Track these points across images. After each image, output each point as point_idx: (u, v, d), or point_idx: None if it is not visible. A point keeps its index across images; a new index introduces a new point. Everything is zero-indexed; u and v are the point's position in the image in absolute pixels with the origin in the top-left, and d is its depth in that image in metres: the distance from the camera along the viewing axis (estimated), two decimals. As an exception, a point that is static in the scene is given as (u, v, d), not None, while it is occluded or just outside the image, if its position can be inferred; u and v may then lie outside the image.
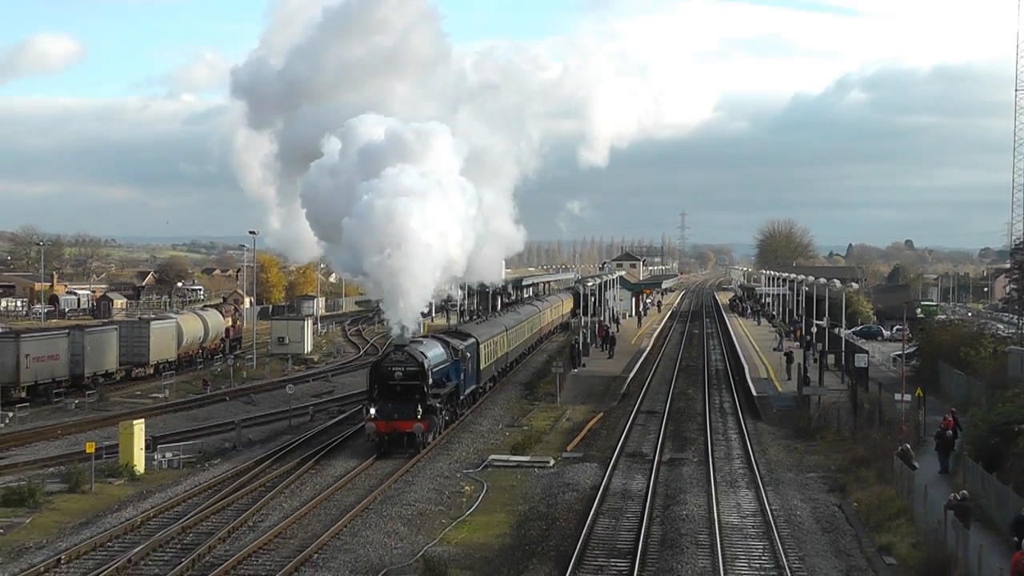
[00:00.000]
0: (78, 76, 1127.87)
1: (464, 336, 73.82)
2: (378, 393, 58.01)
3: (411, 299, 59.64)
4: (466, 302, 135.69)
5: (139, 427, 57.46)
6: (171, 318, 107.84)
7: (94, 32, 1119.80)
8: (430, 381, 58.79)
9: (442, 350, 64.34)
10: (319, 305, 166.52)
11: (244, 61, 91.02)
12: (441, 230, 60.88)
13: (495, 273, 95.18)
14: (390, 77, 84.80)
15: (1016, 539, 30.91)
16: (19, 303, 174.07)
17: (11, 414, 72.60)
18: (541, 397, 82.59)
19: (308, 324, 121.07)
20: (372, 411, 56.99)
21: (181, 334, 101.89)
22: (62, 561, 38.84)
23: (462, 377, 67.35)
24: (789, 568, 39.05)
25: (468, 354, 69.94)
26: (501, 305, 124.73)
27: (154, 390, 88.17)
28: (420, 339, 64.26)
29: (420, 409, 57.22)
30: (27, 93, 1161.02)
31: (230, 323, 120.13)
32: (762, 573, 39.04)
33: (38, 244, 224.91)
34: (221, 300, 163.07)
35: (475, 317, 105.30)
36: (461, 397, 68.74)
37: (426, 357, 59.64)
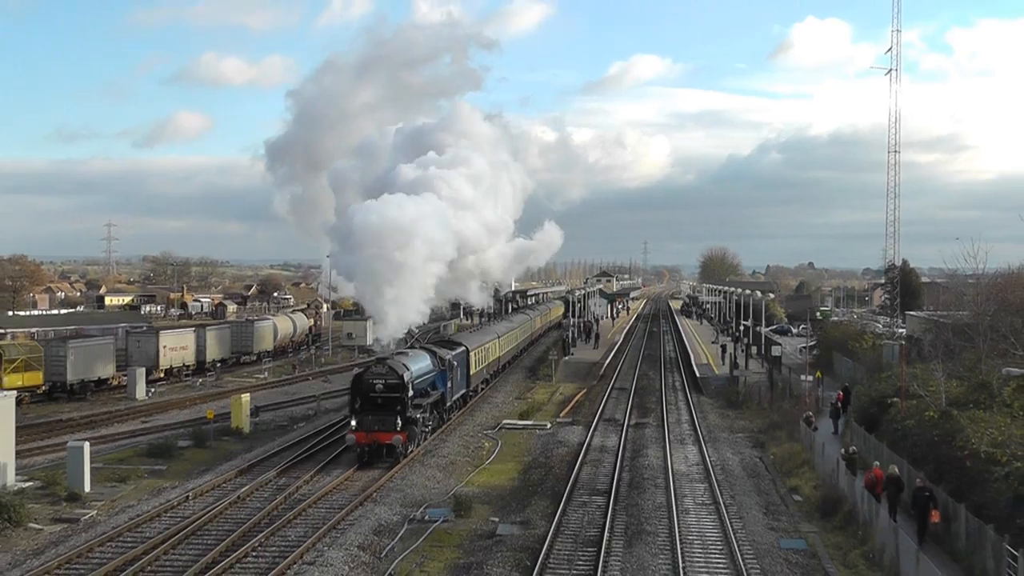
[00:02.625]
0: (206, 141, 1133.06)
1: (454, 345, 61.21)
2: (360, 405, 45.95)
3: (396, 314, 49.40)
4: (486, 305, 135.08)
5: (246, 399, 57.70)
6: (269, 319, 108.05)
7: (219, 110, 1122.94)
8: (410, 393, 46.48)
9: (428, 361, 52.55)
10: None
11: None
12: (437, 241, 51.70)
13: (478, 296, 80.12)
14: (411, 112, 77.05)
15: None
16: (159, 308, 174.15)
17: (153, 390, 72.80)
18: (541, 377, 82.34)
19: (370, 324, 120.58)
20: (353, 423, 45.65)
21: (276, 331, 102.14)
22: (190, 497, 38.93)
23: (449, 385, 55.33)
24: (723, 503, 39.02)
25: (455, 363, 57.60)
26: (512, 309, 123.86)
27: (257, 372, 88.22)
28: (405, 351, 51.69)
29: (400, 421, 45.45)
30: (169, 153, 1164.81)
31: (312, 323, 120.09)
32: (703, 506, 38.95)
33: (172, 265, 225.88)
34: (306, 306, 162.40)
35: (491, 319, 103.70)
36: (448, 403, 56.24)
37: (408, 370, 47.29)
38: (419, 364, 50.37)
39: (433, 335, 62.49)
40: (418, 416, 47.77)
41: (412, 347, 55.05)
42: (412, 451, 47.35)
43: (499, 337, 78.65)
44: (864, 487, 36.29)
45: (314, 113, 76.81)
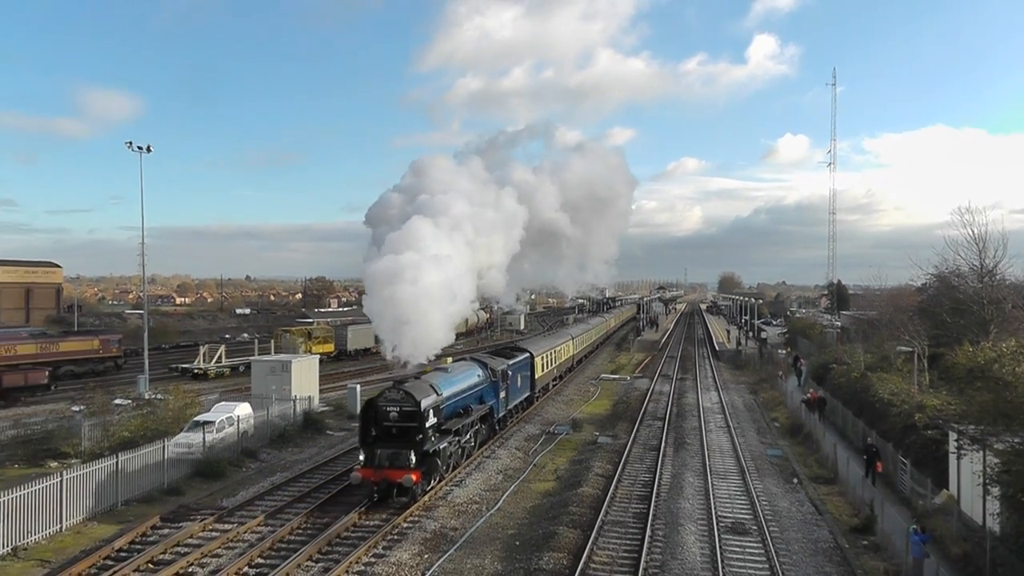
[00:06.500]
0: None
1: (515, 353, 40.52)
2: (373, 436, 24.55)
3: (420, 329, 25.75)
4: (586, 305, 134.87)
5: (449, 359, 56.77)
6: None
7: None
8: (430, 422, 24.96)
9: (475, 375, 32.39)
10: (526, 307, 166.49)
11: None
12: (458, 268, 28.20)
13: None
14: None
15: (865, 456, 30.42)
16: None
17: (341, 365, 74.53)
18: (623, 349, 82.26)
19: (522, 316, 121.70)
20: (361, 457, 24.28)
21: (467, 320, 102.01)
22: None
23: (502, 395, 34.68)
24: (732, 427, 39.01)
25: (511, 372, 36.53)
26: (606, 308, 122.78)
27: (456, 344, 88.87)
28: (445, 367, 31.19)
29: (414, 457, 23.95)
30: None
31: (488, 315, 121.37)
32: (720, 428, 38.96)
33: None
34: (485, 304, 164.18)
35: (587, 316, 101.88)
36: (500, 414, 34.65)
37: (433, 393, 26.07)
38: (457, 384, 29.63)
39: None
40: (443, 446, 25.88)
41: (462, 358, 36.05)
42: (433, 487, 25.63)
43: (573, 338, 59.78)
44: (811, 403, 39.50)
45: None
